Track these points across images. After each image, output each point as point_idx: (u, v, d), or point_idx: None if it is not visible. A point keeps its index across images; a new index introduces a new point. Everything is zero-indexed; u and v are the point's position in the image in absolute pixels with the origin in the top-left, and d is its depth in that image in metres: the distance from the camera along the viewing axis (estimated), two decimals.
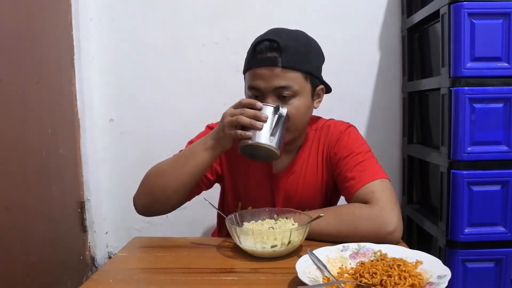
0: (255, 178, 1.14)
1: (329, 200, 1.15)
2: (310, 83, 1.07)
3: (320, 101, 1.12)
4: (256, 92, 1.04)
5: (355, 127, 1.16)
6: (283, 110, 0.98)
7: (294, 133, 1.07)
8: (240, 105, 0.98)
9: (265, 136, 0.96)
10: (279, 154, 0.98)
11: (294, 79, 1.03)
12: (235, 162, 1.14)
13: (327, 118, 1.20)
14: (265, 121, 0.96)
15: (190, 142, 1.13)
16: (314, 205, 1.09)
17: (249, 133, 0.95)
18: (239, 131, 0.96)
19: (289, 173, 1.13)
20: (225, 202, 1.20)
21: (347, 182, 1.04)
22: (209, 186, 1.15)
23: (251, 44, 1.07)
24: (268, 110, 0.97)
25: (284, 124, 0.98)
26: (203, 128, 1.21)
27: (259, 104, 0.96)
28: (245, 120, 0.95)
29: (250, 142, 0.96)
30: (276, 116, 0.97)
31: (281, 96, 1.03)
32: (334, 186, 1.13)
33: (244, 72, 1.09)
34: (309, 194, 1.12)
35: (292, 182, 1.13)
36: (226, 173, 1.16)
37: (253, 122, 0.95)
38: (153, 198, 1.06)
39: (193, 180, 1.04)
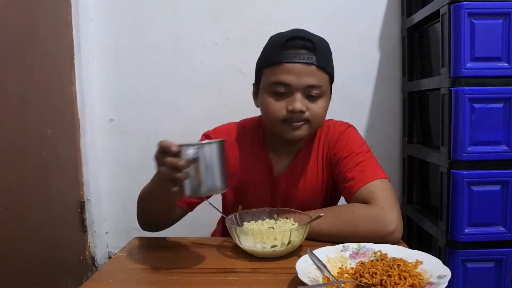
0: (255, 180, 1.14)
1: (330, 201, 1.15)
2: (330, 87, 1.08)
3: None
4: (283, 88, 1.01)
5: (354, 127, 1.16)
6: (206, 150, 0.80)
7: (313, 131, 1.08)
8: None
9: (195, 186, 0.80)
10: (223, 190, 0.85)
11: (324, 80, 1.03)
12: (235, 164, 1.14)
13: (328, 118, 1.20)
14: (187, 167, 0.78)
15: None
16: (315, 206, 1.09)
17: (175, 189, 0.80)
18: (170, 186, 0.82)
19: (289, 174, 1.13)
20: (226, 205, 1.19)
21: (347, 183, 1.04)
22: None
23: (280, 39, 1.03)
24: (189, 151, 0.79)
25: (219, 157, 0.82)
26: (203, 128, 1.21)
27: (174, 148, 0.78)
28: (166, 173, 0.79)
29: (186, 194, 0.82)
30: (203, 155, 0.80)
31: (310, 95, 1.02)
32: (334, 187, 1.13)
33: (265, 67, 1.05)
34: (310, 195, 1.12)
35: (292, 183, 1.12)
36: None
37: (173, 176, 0.78)
38: (149, 221, 1.07)
39: (173, 204, 1.02)
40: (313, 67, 1.01)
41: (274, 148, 1.13)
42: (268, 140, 1.14)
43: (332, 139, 1.12)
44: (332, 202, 1.17)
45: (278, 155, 1.13)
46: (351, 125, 1.16)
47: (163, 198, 0.95)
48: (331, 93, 1.09)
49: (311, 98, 1.02)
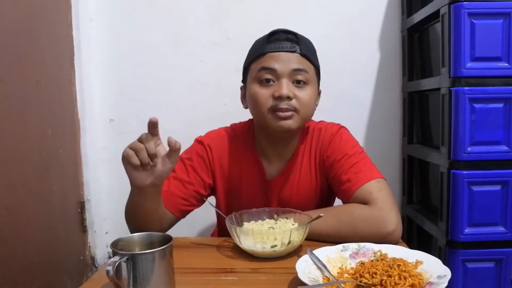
0: (249, 185, 1.13)
1: (325, 204, 1.14)
2: (317, 79, 1.07)
3: (317, 104, 1.12)
4: (269, 74, 1.02)
5: (346, 128, 1.15)
6: (144, 257, 0.71)
7: (303, 123, 1.06)
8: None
9: None
10: None
11: (309, 67, 1.04)
12: (228, 170, 1.13)
13: (328, 118, 1.20)
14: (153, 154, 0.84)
15: (180, 159, 1.12)
16: (309, 209, 1.09)
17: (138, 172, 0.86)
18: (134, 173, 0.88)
19: (282, 178, 1.12)
20: (220, 209, 1.19)
21: (343, 185, 1.03)
22: (203, 201, 1.13)
23: (263, 36, 1.06)
24: (108, 267, 0.68)
25: (164, 262, 0.73)
26: (203, 128, 1.21)
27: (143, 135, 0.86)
28: (130, 156, 0.86)
29: None
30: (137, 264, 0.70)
31: (296, 80, 1.02)
32: (329, 189, 1.13)
33: (252, 61, 1.06)
34: (304, 198, 1.11)
35: (286, 188, 1.12)
36: (219, 183, 1.14)
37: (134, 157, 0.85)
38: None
39: (159, 212, 1.00)
40: (297, 55, 1.02)
41: (265, 153, 1.13)
42: (259, 145, 1.13)
43: (324, 141, 1.11)
44: (327, 204, 1.16)
45: (269, 160, 1.13)
46: (343, 126, 1.15)
47: (145, 203, 0.95)
48: (319, 87, 1.09)
49: (298, 86, 1.02)
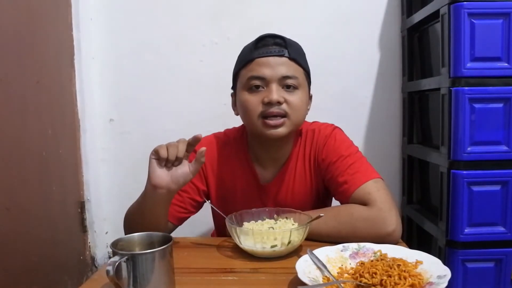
0: (243, 191, 1.12)
1: (322, 205, 1.13)
2: (307, 83, 1.07)
3: (309, 109, 1.11)
4: (259, 82, 1.01)
5: (340, 128, 1.14)
6: (130, 263, 0.70)
7: (295, 128, 1.06)
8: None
9: None
10: None
11: (299, 72, 1.03)
12: (221, 176, 1.13)
13: (328, 118, 1.19)
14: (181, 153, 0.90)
15: None
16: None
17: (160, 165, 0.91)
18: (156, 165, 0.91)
19: (277, 182, 1.11)
20: (215, 215, 1.18)
21: (341, 187, 1.03)
22: (199, 208, 1.13)
23: (252, 42, 1.06)
24: (108, 267, 0.67)
25: (164, 263, 0.73)
26: (202, 128, 1.21)
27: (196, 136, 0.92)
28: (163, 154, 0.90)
29: None
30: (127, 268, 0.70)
31: (286, 85, 1.02)
32: (325, 191, 1.12)
33: (241, 68, 1.06)
34: (300, 201, 1.10)
35: (281, 192, 1.11)
36: (212, 189, 1.13)
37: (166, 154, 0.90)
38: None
39: (163, 223, 1.01)
40: (285, 59, 1.02)
41: (258, 158, 1.12)
42: (252, 150, 1.13)
43: (319, 144, 1.10)
44: (324, 206, 1.14)
45: (263, 165, 1.12)
46: (337, 127, 1.14)
47: (154, 209, 0.96)
48: (309, 91, 1.08)
49: (288, 89, 1.02)
